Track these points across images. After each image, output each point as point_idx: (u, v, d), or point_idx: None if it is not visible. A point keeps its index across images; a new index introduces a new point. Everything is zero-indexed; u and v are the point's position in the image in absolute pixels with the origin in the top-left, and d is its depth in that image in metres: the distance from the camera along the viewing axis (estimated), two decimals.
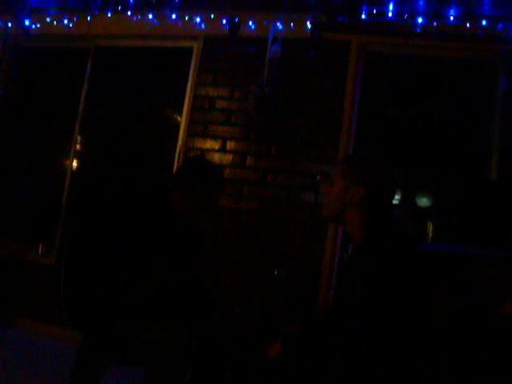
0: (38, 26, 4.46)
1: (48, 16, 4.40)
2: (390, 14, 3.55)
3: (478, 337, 2.28)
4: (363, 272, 1.54)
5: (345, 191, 1.73)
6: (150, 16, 4.11)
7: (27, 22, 4.46)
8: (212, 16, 3.95)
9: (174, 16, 4.05)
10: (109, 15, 4.22)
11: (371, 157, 1.82)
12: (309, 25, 3.71)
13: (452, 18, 3.45)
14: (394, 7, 3.55)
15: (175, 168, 3.87)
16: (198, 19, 3.99)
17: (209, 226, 3.42)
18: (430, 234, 3.73)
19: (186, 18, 4.02)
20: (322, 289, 3.40)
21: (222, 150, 3.81)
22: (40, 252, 4.21)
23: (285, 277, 2.14)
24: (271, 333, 2.15)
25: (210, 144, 3.84)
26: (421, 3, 3.49)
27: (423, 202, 3.93)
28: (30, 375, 3.01)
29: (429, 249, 3.42)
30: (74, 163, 4.45)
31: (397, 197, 3.81)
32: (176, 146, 3.98)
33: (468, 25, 3.44)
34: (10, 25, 4.56)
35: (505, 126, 3.45)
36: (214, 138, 3.84)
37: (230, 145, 3.81)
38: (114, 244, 2.05)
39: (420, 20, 3.50)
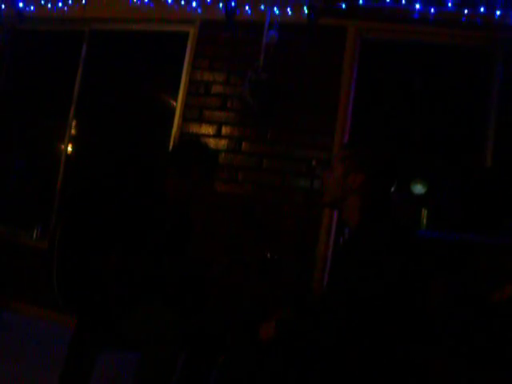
0: (32, 8, 4.41)
1: None
2: (388, 0, 3.53)
3: (474, 323, 2.29)
4: (359, 255, 1.56)
5: (344, 177, 1.74)
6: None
7: (21, 5, 4.40)
8: (208, 0, 3.91)
9: (170, 0, 4.01)
10: None
11: (372, 144, 1.83)
12: (306, 10, 3.68)
13: (450, 4, 3.44)
14: None
15: (170, 149, 3.84)
16: (194, 3, 3.96)
17: (201, 207, 3.42)
18: (425, 222, 3.74)
19: (182, 2, 3.99)
20: (317, 273, 3.41)
21: (218, 135, 3.79)
22: (34, 236, 4.21)
23: (278, 260, 2.14)
24: (265, 316, 2.16)
25: (205, 129, 3.82)
26: None
27: (418, 189, 3.93)
28: (24, 358, 3.01)
29: (423, 236, 3.43)
30: (69, 147, 4.43)
31: None
32: (171, 130, 3.95)
33: (466, 11, 3.43)
34: (3, 7, 4.50)
35: (501, 114, 3.46)
36: (210, 123, 3.82)
37: (225, 130, 3.79)
38: (106, 227, 2.05)
39: (418, 6, 3.49)
